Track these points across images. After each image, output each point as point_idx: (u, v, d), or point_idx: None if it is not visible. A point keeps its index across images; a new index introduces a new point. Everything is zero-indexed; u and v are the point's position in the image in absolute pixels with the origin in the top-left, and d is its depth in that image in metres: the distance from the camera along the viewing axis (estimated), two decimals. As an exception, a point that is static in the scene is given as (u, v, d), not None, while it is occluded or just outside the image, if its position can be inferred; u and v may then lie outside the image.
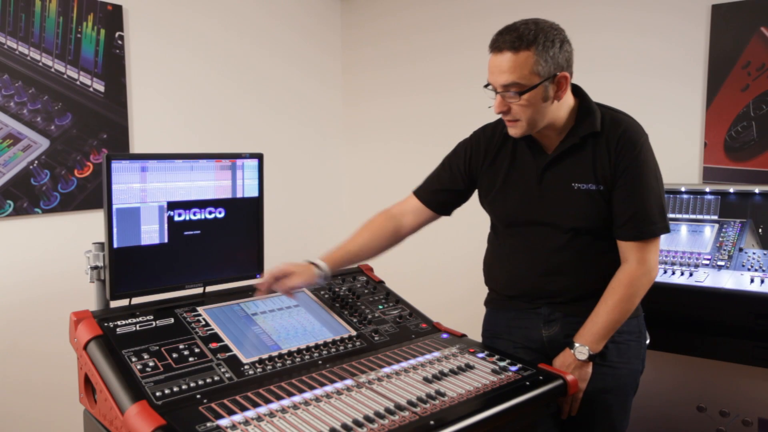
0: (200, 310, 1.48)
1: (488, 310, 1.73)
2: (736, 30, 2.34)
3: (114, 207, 1.42)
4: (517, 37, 1.39)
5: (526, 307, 1.59)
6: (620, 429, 1.56)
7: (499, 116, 1.54)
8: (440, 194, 1.71)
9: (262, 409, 1.14)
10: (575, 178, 1.49)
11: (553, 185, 1.52)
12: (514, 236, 1.60)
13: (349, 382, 1.28)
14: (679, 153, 2.48)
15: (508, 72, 1.39)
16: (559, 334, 1.55)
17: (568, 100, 1.50)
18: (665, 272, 2.01)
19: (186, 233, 1.55)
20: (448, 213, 1.74)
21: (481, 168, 1.64)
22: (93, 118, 2.56)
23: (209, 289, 1.60)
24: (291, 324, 1.51)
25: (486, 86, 1.49)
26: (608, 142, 1.46)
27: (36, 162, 2.41)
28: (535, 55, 1.38)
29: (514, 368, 1.38)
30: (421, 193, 1.73)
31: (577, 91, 1.54)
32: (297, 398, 1.19)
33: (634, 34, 2.60)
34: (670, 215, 2.28)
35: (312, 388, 1.24)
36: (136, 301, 1.48)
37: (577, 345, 1.47)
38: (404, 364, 1.38)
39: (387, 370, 1.35)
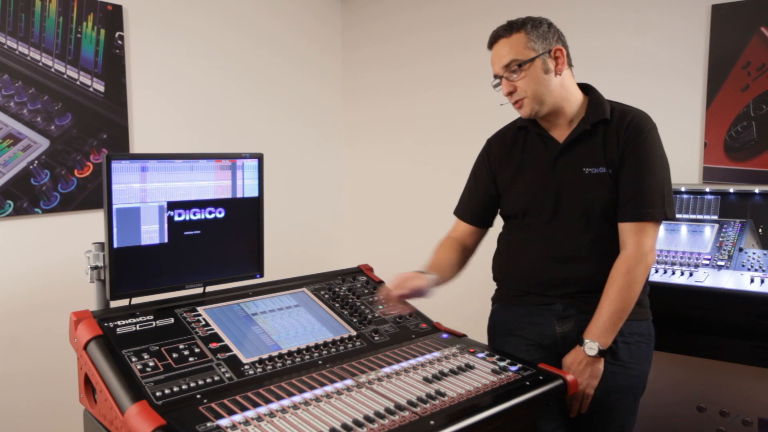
0: (200, 310, 1.48)
1: (497, 306, 1.73)
2: (736, 30, 2.34)
3: (114, 207, 1.42)
4: (507, 25, 1.56)
5: (540, 303, 1.59)
6: (628, 429, 1.56)
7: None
8: (479, 208, 1.74)
9: (262, 409, 1.14)
10: (586, 163, 1.54)
11: (565, 171, 1.57)
12: (529, 226, 1.62)
13: (349, 382, 1.28)
14: (679, 153, 2.48)
15: (505, 54, 1.53)
16: (573, 331, 1.55)
17: (578, 94, 1.59)
18: (665, 272, 2.01)
19: (186, 233, 1.55)
20: (491, 224, 1.78)
21: (499, 165, 1.70)
22: (93, 118, 2.56)
23: (209, 289, 1.60)
24: (291, 324, 1.51)
25: (495, 85, 1.59)
26: (618, 129, 1.53)
27: (36, 162, 2.41)
28: (526, 34, 1.52)
29: (514, 368, 1.38)
30: (467, 215, 1.77)
31: (588, 88, 1.62)
32: (297, 398, 1.19)
33: (634, 34, 2.60)
34: (670, 215, 2.28)
35: (312, 388, 1.24)
36: (136, 301, 1.48)
37: (586, 341, 1.47)
38: (404, 364, 1.38)
39: (387, 370, 1.35)
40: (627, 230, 1.50)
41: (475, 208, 1.75)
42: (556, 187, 1.57)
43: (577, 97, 1.59)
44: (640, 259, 1.47)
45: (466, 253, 1.76)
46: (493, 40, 1.57)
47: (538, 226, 1.60)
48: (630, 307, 1.48)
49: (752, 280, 1.86)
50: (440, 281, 1.62)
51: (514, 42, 1.52)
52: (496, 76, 1.57)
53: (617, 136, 1.52)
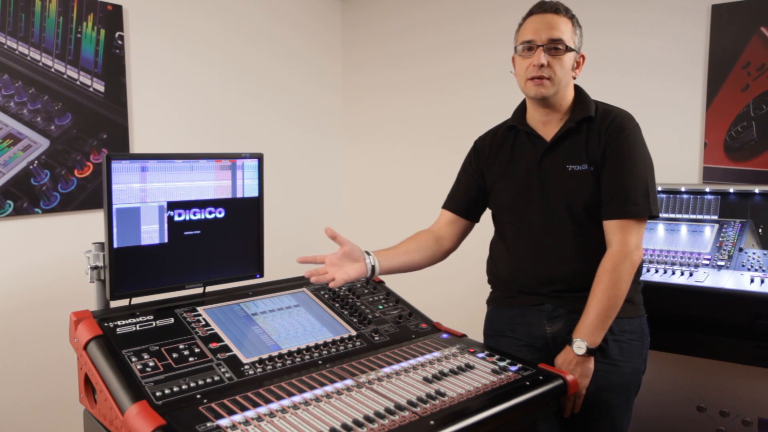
0: (200, 310, 1.48)
1: (490, 308, 1.74)
2: (736, 30, 2.34)
3: (114, 207, 1.42)
4: (562, 6, 1.56)
5: (530, 303, 1.60)
6: (622, 428, 1.56)
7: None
8: (465, 199, 1.75)
9: (262, 409, 1.14)
10: (570, 160, 1.56)
11: (550, 169, 1.58)
12: (515, 224, 1.64)
13: (349, 382, 1.28)
14: (679, 153, 2.48)
15: (558, 29, 1.52)
16: (562, 330, 1.55)
17: (572, 94, 1.61)
18: (665, 272, 2.01)
19: (186, 233, 1.55)
20: (477, 219, 1.79)
21: (486, 162, 1.71)
22: (93, 118, 2.56)
23: (209, 289, 1.60)
24: (291, 324, 1.51)
25: (527, 48, 1.54)
26: (600, 128, 1.55)
27: (36, 162, 2.41)
28: (573, 26, 1.55)
29: (514, 368, 1.38)
30: (448, 204, 1.79)
31: (576, 88, 1.63)
32: (297, 398, 1.19)
33: (634, 34, 2.60)
34: (670, 215, 2.28)
35: (312, 388, 1.24)
36: (136, 301, 1.48)
37: (575, 340, 1.48)
38: (404, 364, 1.38)
39: (387, 370, 1.35)
40: (612, 228, 1.50)
41: (459, 198, 1.76)
42: (541, 185, 1.58)
43: (571, 97, 1.61)
44: (625, 256, 1.48)
45: (438, 243, 1.73)
46: (550, 8, 1.54)
47: (524, 224, 1.61)
48: (618, 306, 1.48)
49: (752, 280, 1.86)
50: (388, 268, 1.59)
51: (567, 25, 1.53)
52: (530, 42, 1.53)
53: (599, 134, 1.54)
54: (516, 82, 1.61)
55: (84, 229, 2.55)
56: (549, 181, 1.57)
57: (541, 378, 1.34)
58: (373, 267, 1.55)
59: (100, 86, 2.58)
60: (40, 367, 2.45)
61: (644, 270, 1.99)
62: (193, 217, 1.56)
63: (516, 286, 1.63)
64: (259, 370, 1.30)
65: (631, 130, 1.52)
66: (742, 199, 2.18)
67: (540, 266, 1.58)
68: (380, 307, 1.67)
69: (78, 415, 1.46)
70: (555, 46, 1.51)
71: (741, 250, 2.03)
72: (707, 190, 2.26)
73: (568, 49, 1.51)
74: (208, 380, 1.23)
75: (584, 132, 1.56)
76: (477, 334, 1.70)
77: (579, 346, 1.47)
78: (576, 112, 1.57)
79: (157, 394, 1.16)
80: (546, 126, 1.61)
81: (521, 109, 1.68)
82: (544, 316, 1.58)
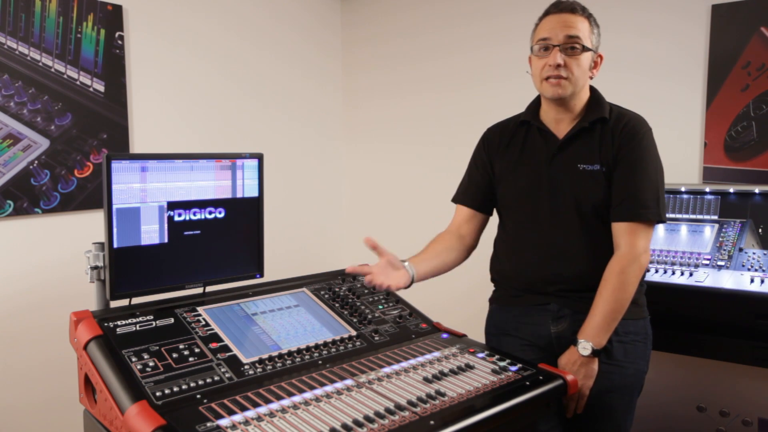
0: (200, 310, 1.48)
1: (493, 307, 1.74)
2: (736, 30, 2.34)
3: (114, 207, 1.42)
4: (579, 5, 1.56)
5: (535, 303, 1.59)
6: (625, 428, 1.56)
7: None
8: (479, 193, 1.74)
9: (262, 409, 1.14)
10: (581, 159, 1.56)
11: (560, 167, 1.58)
12: (523, 221, 1.63)
13: (349, 382, 1.28)
14: (679, 153, 2.48)
15: (575, 27, 1.52)
16: (567, 331, 1.55)
17: (587, 94, 1.61)
18: (665, 272, 2.01)
19: (186, 233, 1.55)
20: (492, 212, 1.77)
21: (496, 155, 1.70)
22: (93, 118, 2.56)
23: (209, 289, 1.60)
24: (291, 324, 1.51)
25: (540, 46, 1.54)
26: (613, 130, 1.55)
27: (36, 162, 2.41)
28: (590, 25, 1.55)
29: (514, 368, 1.38)
30: (461, 199, 1.77)
31: (591, 89, 1.64)
32: (297, 398, 1.19)
33: (634, 34, 2.59)
34: (670, 215, 2.28)
35: (312, 388, 1.24)
36: (136, 301, 1.48)
37: (580, 341, 1.47)
38: (404, 364, 1.38)
39: (387, 370, 1.35)
40: (621, 230, 1.51)
41: (473, 192, 1.74)
42: (550, 182, 1.58)
43: (586, 98, 1.61)
44: (633, 259, 1.48)
45: (462, 242, 1.73)
46: (567, 8, 1.54)
47: (531, 222, 1.61)
48: (624, 308, 1.48)
49: (752, 280, 1.86)
50: (424, 273, 1.60)
51: (584, 24, 1.53)
52: (546, 41, 1.52)
53: (612, 137, 1.54)
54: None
55: (84, 229, 2.55)
56: (559, 179, 1.57)
57: (541, 378, 1.34)
58: (412, 275, 1.55)
59: (100, 86, 2.58)
60: (40, 367, 2.45)
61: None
62: (193, 217, 1.56)
63: (521, 285, 1.63)
64: (259, 370, 1.30)
65: (644, 135, 1.53)
66: (742, 199, 2.18)
67: (546, 265, 1.57)
68: (380, 307, 1.67)
69: (78, 415, 1.45)
70: (572, 45, 1.50)
71: (741, 250, 2.03)
72: (707, 190, 2.26)
73: (585, 49, 1.51)
74: (208, 380, 1.23)
75: (597, 133, 1.56)
76: (477, 334, 1.70)
77: (584, 346, 1.47)
78: (590, 113, 1.57)
79: (157, 394, 1.16)
80: (559, 124, 1.60)
81: (535, 104, 1.67)
82: (549, 316, 1.58)
